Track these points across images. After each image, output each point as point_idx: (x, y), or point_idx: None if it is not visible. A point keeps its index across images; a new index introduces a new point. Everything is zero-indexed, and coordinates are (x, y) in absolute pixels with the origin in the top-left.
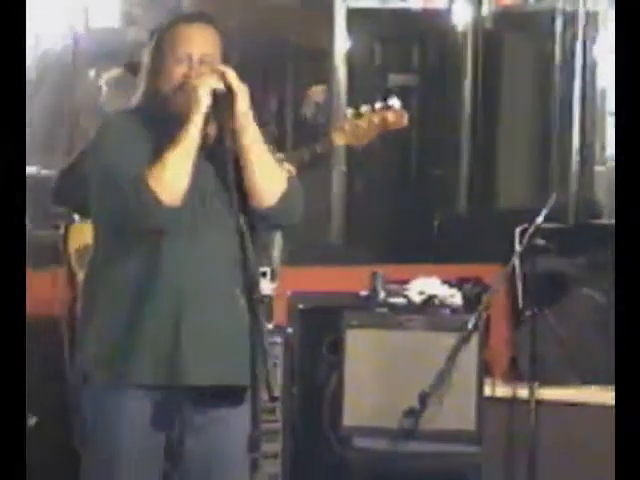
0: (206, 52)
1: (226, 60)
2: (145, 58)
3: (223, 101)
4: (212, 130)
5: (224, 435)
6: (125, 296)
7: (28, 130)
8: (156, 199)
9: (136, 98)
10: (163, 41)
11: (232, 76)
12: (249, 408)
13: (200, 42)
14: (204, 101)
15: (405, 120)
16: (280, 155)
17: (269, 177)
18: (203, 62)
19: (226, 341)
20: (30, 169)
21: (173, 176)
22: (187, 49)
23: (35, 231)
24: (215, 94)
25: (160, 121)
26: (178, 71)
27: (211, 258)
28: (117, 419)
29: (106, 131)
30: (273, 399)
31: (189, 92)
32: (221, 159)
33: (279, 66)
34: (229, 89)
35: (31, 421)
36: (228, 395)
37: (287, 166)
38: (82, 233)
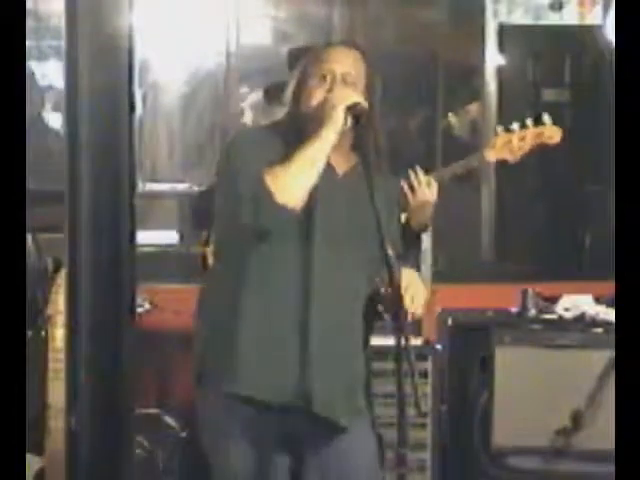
0: (348, 71)
1: (369, 85)
2: (290, 80)
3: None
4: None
5: (346, 452)
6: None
7: (180, 146)
8: (270, 196)
9: (279, 115)
10: (309, 64)
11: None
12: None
13: (342, 61)
14: (340, 118)
15: (558, 137)
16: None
17: None
18: (345, 81)
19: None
20: (182, 186)
21: (292, 179)
22: (329, 67)
23: (189, 247)
24: (356, 114)
25: (297, 140)
26: (320, 91)
27: (347, 273)
28: (229, 431)
29: (236, 143)
30: (422, 414)
31: (327, 110)
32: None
33: (429, 82)
34: None
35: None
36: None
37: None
38: None
